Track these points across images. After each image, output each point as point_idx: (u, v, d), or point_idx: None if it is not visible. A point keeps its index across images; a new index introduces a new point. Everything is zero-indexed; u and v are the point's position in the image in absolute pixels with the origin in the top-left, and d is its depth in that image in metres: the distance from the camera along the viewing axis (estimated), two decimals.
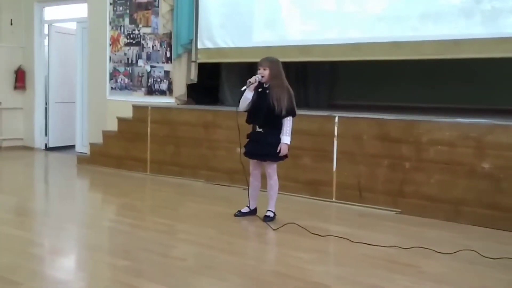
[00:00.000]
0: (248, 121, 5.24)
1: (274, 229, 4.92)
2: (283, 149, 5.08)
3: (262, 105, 5.05)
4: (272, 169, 5.22)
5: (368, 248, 4.43)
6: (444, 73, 7.35)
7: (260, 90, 5.12)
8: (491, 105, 7.10)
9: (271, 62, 5.14)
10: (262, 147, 5.13)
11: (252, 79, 5.06)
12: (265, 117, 5.07)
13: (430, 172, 5.56)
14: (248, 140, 5.29)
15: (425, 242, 4.54)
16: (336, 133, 6.15)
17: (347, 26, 6.68)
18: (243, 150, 5.32)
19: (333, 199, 6.17)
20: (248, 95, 5.10)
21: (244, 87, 5.08)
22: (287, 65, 7.21)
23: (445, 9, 6.05)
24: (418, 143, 5.64)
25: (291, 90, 5.13)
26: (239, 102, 5.20)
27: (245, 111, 5.21)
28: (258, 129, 5.17)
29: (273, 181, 5.23)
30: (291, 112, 5.07)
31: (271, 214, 5.24)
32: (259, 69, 5.11)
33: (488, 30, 5.76)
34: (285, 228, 4.95)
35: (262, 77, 5.07)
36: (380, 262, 4.10)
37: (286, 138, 5.08)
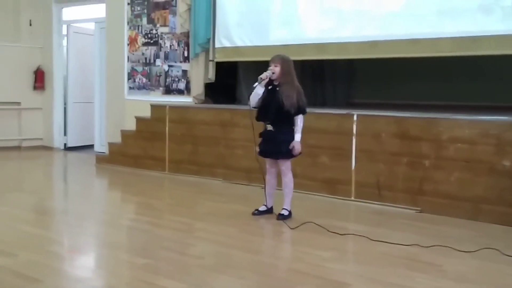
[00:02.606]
0: (258, 118, 5.23)
1: (292, 228, 4.90)
2: (296, 147, 5.07)
3: (272, 102, 5.05)
4: (286, 166, 5.20)
5: (387, 246, 4.39)
6: (463, 70, 7.27)
7: (270, 87, 5.11)
8: (511, 103, 7.00)
9: (282, 60, 5.13)
10: (274, 145, 5.12)
11: (263, 75, 5.06)
12: (275, 114, 5.06)
13: (450, 170, 5.50)
14: (261, 139, 5.29)
15: (445, 241, 4.49)
16: (354, 131, 6.11)
17: (364, 23, 6.63)
18: (257, 149, 5.32)
19: (352, 198, 6.14)
20: (259, 90, 5.08)
21: (256, 84, 5.08)
22: (303, 63, 7.24)
23: (463, 5, 5.98)
24: (438, 141, 5.58)
25: (301, 88, 5.11)
26: (249, 98, 5.19)
27: (255, 108, 5.19)
28: (268, 128, 5.16)
29: (288, 179, 5.21)
30: (301, 110, 5.06)
31: (286, 213, 5.22)
32: (271, 65, 5.11)
33: (507, 27, 5.68)
34: (303, 227, 4.92)
35: (273, 73, 5.07)
36: (400, 261, 4.06)
37: (298, 136, 5.07)
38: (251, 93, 5.16)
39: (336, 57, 7.12)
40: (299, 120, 5.07)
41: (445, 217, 5.41)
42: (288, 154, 5.13)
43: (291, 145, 5.06)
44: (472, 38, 5.87)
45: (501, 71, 7.05)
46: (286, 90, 5.01)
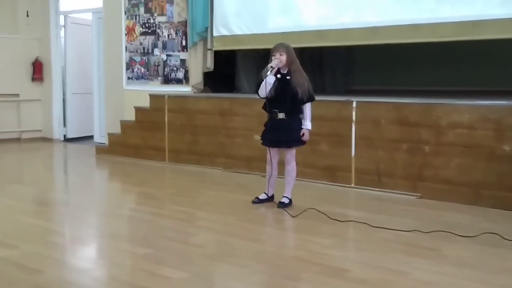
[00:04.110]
0: (268, 108, 5.18)
1: (293, 216, 4.90)
2: (307, 135, 5.13)
3: (286, 91, 5.03)
4: (291, 154, 5.20)
5: (388, 232, 4.40)
6: (463, 55, 7.24)
7: (278, 76, 5.08)
8: (510, 87, 6.98)
9: (287, 48, 5.11)
10: (287, 133, 5.11)
11: (273, 64, 5.00)
12: (291, 103, 5.06)
13: (450, 155, 5.50)
14: (266, 128, 5.26)
15: (445, 226, 4.50)
16: (354, 118, 6.11)
17: (363, 9, 6.60)
18: (256, 138, 5.30)
19: (352, 185, 6.14)
20: (270, 80, 5.01)
21: (268, 73, 5.00)
22: (303, 51, 7.21)
23: None
24: (437, 126, 5.58)
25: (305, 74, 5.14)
26: (256, 88, 5.15)
27: (263, 98, 5.13)
28: (279, 117, 5.13)
29: (291, 167, 5.21)
30: (311, 98, 5.11)
31: (286, 200, 5.23)
32: (274, 54, 5.06)
33: (507, 11, 5.65)
34: (304, 214, 4.93)
35: (280, 62, 5.04)
36: (400, 247, 4.07)
37: (309, 124, 5.15)
38: (259, 83, 5.08)
39: (336, 44, 7.09)
40: (308, 107, 5.13)
41: (445, 203, 5.42)
42: (299, 141, 5.15)
43: (302, 132, 5.10)
44: (472, 23, 5.84)
45: (501, 55, 7.03)
46: (298, 78, 5.03)
